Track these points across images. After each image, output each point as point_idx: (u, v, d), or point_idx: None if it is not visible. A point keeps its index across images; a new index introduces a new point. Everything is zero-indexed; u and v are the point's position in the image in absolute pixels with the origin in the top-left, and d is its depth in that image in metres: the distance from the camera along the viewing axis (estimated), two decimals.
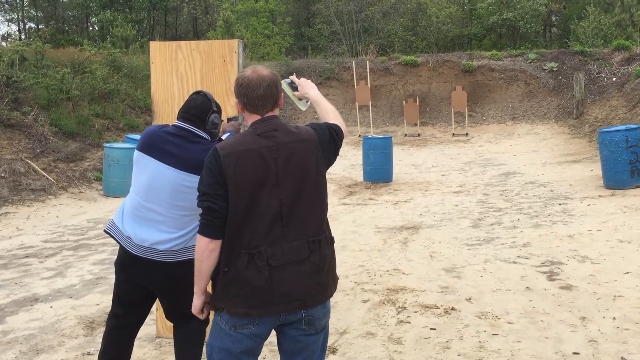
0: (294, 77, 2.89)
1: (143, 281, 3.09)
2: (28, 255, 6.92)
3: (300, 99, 2.87)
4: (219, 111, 3.16)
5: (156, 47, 4.12)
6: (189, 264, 2.70)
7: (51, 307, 5.11)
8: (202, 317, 2.52)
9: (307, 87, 2.81)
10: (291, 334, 2.40)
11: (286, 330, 2.40)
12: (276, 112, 2.46)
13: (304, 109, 3.00)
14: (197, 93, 3.17)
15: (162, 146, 3.00)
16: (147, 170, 3.03)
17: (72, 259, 6.73)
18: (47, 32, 15.91)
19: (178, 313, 3.14)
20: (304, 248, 2.33)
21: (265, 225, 2.29)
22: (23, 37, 30.76)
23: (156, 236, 2.99)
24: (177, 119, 3.12)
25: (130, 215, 3.10)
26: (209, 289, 2.47)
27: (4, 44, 26.43)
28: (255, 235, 2.29)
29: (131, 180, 3.16)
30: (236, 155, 2.30)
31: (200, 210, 2.36)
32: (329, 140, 2.48)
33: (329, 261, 2.42)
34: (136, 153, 3.10)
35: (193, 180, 2.88)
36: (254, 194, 2.29)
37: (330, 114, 2.67)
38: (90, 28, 33.51)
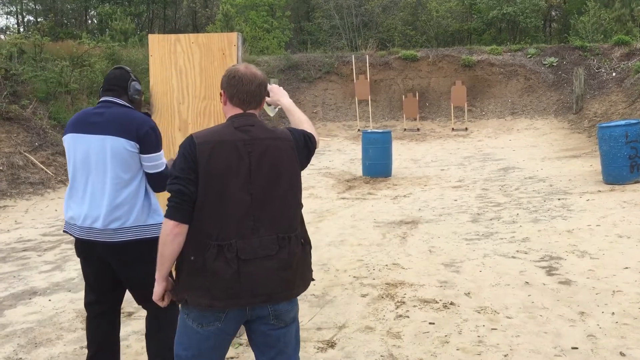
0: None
1: (97, 256, 3.10)
2: (27, 249, 6.91)
3: (269, 105, 2.92)
4: (138, 81, 3.30)
5: (155, 40, 4.10)
6: (131, 246, 2.84)
7: (50, 300, 5.11)
8: (162, 304, 2.50)
9: (280, 94, 2.85)
10: (260, 330, 2.39)
11: (255, 327, 2.39)
12: (257, 112, 2.49)
13: (272, 115, 3.06)
14: (115, 68, 3.30)
15: (86, 120, 3.10)
16: (77, 147, 3.10)
17: (71, 252, 6.72)
18: (46, 25, 15.86)
19: (137, 296, 3.19)
20: (273, 244, 2.32)
21: (236, 218, 2.29)
22: (22, 30, 30.66)
23: (92, 212, 3.03)
24: (100, 95, 3.24)
25: (70, 199, 3.15)
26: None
27: (2, 37, 26.32)
28: (225, 227, 2.28)
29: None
30: (211, 144, 2.31)
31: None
32: (303, 146, 2.51)
33: (297, 259, 2.39)
34: (65, 138, 3.18)
35: (115, 143, 2.99)
36: (226, 186, 2.29)
37: (304, 123, 2.70)
38: (89, 21, 33.43)
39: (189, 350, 2.35)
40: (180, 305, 2.40)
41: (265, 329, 2.37)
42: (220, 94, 2.49)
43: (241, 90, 2.42)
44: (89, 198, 3.06)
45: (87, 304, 3.27)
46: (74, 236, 3.13)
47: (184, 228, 2.29)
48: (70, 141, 3.12)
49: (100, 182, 3.03)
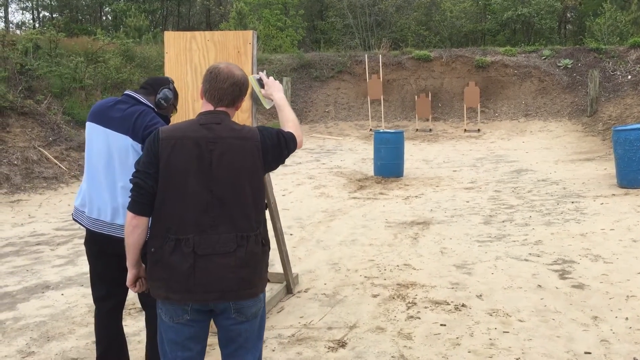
0: (263, 75, 2.99)
1: (112, 249, 3.10)
2: (40, 243, 6.97)
3: (265, 97, 2.96)
4: (175, 95, 3.29)
5: (170, 37, 4.11)
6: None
7: (62, 294, 5.15)
8: (134, 290, 2.63)
9: (274, 88, 2.91)
10: (222, 324, 2.45)
11: (218, 320, 2.46)
12: (230, 111, 2.52)
13: (267, 107, 3.10)
14: (163, 77, 3.36)
15: (107, 112, 3.12)
16: (93, 138, 3.12)
17: (83, 247, 6.76)
18: (61, 21, 15.95)
19: (143, 296, 3.17)
20: (232, 242, 2.35)
21: (195, 213, 2.34)
22: (37, 25, 30.89)
23: (99, 204, 3.07)
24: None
25: (83, 189, 3.17)
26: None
27: (18, 32, 26.55)
28: (184, 222, 2.34)
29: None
30: (174, 140, 2.37)
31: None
32: (273, 145, 2.51)
33: (255, 259, 2.42)
34: (87, 125, 3.19)
35: (125, 142, 3.01)
36: (185, 181, 2.35)
37: (290, 122, 2.73)
38: (104, 18, 33.61)
39: (169, 345, 2.45)
40: (156, 304, 2.48)
41: (227, 324, 2.44)
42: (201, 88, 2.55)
43: (214, 87, 2.47)
44: (96, 189, 3.09)
45: (98, 299, 3.28)
46: (82, 225, 3.15)
47: (141, 220, 2.41)
48: (90, 130, 3.16)
49: (108, 177, 3.06)
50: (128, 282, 2.60)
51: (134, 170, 2.43)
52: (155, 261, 2.37)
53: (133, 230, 2.42)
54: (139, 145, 3.00)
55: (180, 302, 2.36)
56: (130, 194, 2.43)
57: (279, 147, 2.54)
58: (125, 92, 3.22)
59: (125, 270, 3.14)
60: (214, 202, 2.35)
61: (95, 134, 3.11)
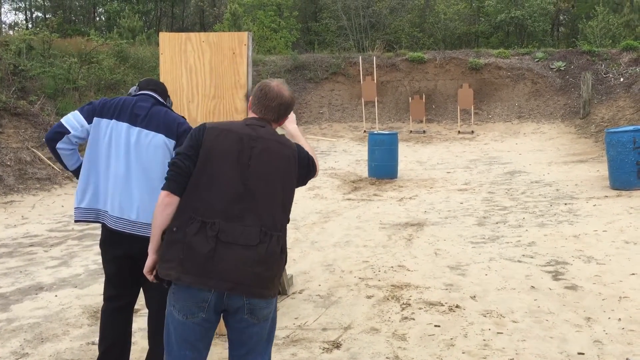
0: None
1: (125, 251, 3.09)
2: (33, 244, 6.94)
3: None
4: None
5: (166, 38, 4.11)
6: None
7: (56, 296, 5.13)
8: (150, 278, 2.58)
9: (288, 120, 2.93)
10: (235, 326, 2.45)
11: (231, 322, 2.46)
12: (273, 125, 2.64)
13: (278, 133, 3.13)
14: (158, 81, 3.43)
15: (130, 110, 3.11)
16: (116, 135, 3.08)
17: (77, 248, 6.75)
18: (55, 22, 15.90)
19: (150, 296, 3.19)
20: (255, 235, 2.37)
21: (225, 202, 2.38)
22: (30, 26, 30.76)
23: (125, 203, 3.05)
24: (138, 90, 3.27)
25: (98, 186, 3.13)
26: None
27: (11, 32, 26.43)
28: (213, 208, 2.37)
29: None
30: (219, 131, 2.48)
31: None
32: (304, 165, 2.64)
33: (274, 259, 2.42)
34: (103, 121, 3.12)
35: (157, 140, 3.05)
36: (222, 169, 2.41)
37: (309, 152, 2.78)
38: (97, 18, 33.50)
39: (177, 342, 2.43)
40: (167, 299, 2.47)
41: (239, 326, 2.44)
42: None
43: (262, 104, 2.60)
44: (119, 186, 3.06)
45: (107, 300, 3.27)
46: (106, 224, 3.11)
47: (174, 199, 2.43)
48: (106, 126, 3.10)
49: (131, 174, 3.04)
50: (146, 269, 2.57)
51: (175, 153, 2.49)
52: (174, 240, 2.37)
53: (164, 209, 2.43)
54: (173, 143, 3.05)
55: (191, 285, 2.34)
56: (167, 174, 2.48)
57: (308, 167, 2.66)
58: (143, 92, 3.22)
59: (137, 274, 3.14)
60: (246, 195, 2.40)
61: (116, 131, 3.08)
